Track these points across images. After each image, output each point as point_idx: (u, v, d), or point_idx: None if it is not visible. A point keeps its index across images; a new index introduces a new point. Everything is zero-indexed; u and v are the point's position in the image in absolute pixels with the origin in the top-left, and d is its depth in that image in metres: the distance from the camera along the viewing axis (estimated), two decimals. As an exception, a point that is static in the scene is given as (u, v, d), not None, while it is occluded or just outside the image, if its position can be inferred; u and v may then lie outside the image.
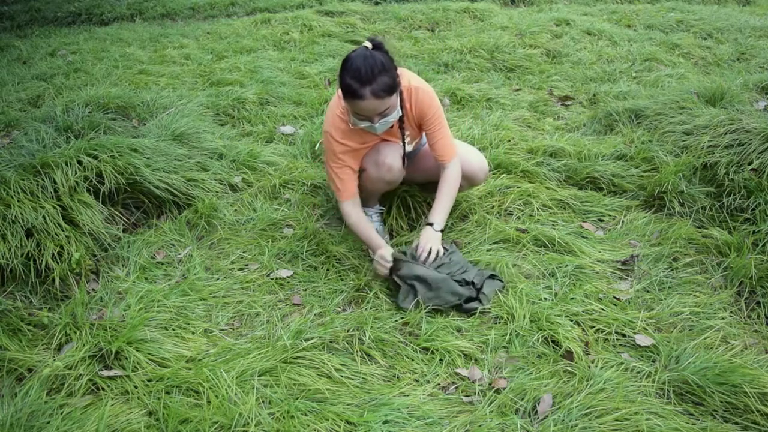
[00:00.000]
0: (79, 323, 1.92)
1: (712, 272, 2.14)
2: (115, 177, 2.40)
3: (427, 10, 5.87)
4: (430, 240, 2.12)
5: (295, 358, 1.81)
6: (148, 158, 2.59)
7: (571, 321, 1.92)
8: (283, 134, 3.39)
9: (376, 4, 6.58)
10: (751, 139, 2.50)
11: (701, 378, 1.64)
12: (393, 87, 1.91)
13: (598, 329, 1.90)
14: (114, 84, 4.17)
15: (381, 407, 1.64)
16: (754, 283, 2.02)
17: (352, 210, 2.19)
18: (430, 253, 2.09)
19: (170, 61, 4.93)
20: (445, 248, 2.15)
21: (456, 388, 1.73)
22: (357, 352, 1.86)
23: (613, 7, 6.14)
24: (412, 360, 1.83)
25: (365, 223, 2.20)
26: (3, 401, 1.66)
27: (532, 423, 1.60)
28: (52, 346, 1.87)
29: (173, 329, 1.96)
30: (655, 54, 4.46)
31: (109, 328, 1.90)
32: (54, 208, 2.21)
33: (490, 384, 1.73)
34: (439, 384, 1.75)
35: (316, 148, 3.12)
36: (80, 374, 1.74)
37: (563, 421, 1.56)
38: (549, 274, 2.15)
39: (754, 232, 2.23)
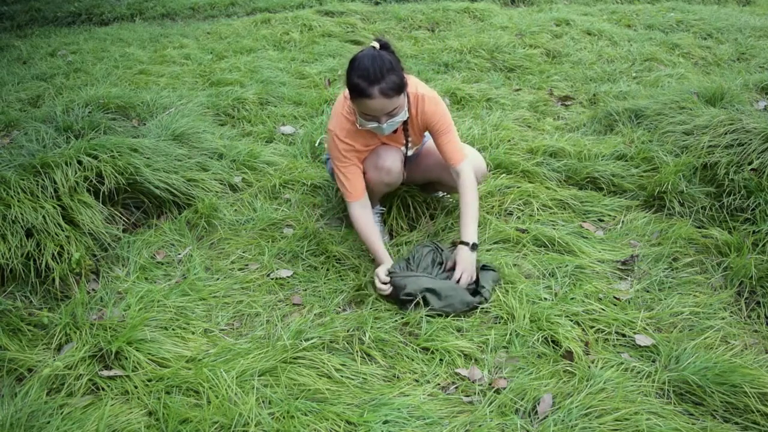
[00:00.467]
0: (79, 323, 1.92)
1: (712, 272, 2.14)
2: (115, 177, 2.40)
3: (427, 10, 5.88)
4: (465, 262, 2.06)
5: (295, 358, 1.81)
6: (148, 158, 2.59)
7: (571, 321, 1.92)
8: (283, 134, 3.39)
9: (376, 4, 6.58)
10: (751, 139, 2.50)
11: (701, 378, 1.64)
12: (401, 86, 1.92)
13: (598, 329, 1.90)
14: (114, 84, 4.17)
15: (381, 407, 1.63)
16: (754, 283, 2.02)
17: (361, 213, 2.16)
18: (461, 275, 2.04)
19: (170, 61, 4.94)
20: (441, 248, 2.16)
21: (456, 388, 1.73)
22: (357, 352, 1.86)
23: (613, 7, 6.14)
24: (412, 360, 1.83)
25: (372, 230, 2.16)
26: (3, 401, 1.66)
27: (532, 423, 1.60)
28: (52, 346, 1.87)
29: (173, 329, 1.96)
30: (655, 54, 4.46)
31: (109, 328, 1.90)
32: (54, 208, 2.21)
33: (490, 384, 1.73)
34: (439, 384, 1.75)
35: (316, 144, 3.12)
36: (80, 374, 1.74)
37: (563, 421, 1.56)
38: (549, 274, 2.15)
39: (754, 232, 2.23)
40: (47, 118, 2.98)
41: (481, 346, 1.87)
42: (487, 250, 2.27)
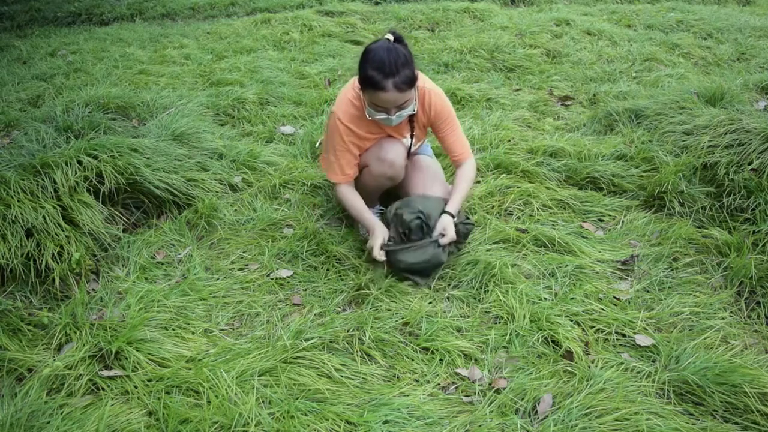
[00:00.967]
0: (79, 323, 1.92)
1: (712, 272, 2.14)
2: (115, 177, 2.40)
3: (427, 10, 5.88)
4: (448, 228, 2.14)
5: (295, 358, 1.81)
6: (148, 158, 2.59)
7: (571, 321, 1.92)
8: (283, 134, 3.39)
9: (376, 4, 6.58)
10: (751, 139, 2.50)
11: (701, 378, 1.64)
12: (413, 80, 1.94)
13: (598, 329, 1.90)
14: (114, 84, 4.17)
15: (381, 407, 1.63)
16: (754, 283, 2.02)
17: (348, 189, 2.23)
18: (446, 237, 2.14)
19: (170, 61, 4.94)
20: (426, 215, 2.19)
21: (456, 388, 1.73)
22: (357, 352, 1.86)
23: (613, 7, 6.14)
24: (412, 360, 1.83)
25: (359, 201, 2.23)
26: (3, 401, 1.66)
27: (532, 423, 1.60)
28: (52, 346, 1.87)
29: (173, 329, 1.96)
30: (655, 54, 4.46)
31: (109, 328, 1.90)
32: (54, 208, 2.21)
33: (490, 384, 1.73)
34: (439, 384, 1.75)
35: (317, 144, 3.12)
36: (80, 374, 1.74)
37: (563, 421, 1.56)
38: (549, 274, 2.15)
39: (754, 232, 2.23)
40: (47, 118, 2.98)
41: (481, 346, 1.87)
42: (487, 250, 2.27)
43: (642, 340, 1.84)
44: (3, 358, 1.80)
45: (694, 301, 2.00)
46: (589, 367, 1.75)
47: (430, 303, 2.06)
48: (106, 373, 1.76)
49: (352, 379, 1.76)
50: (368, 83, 1.92)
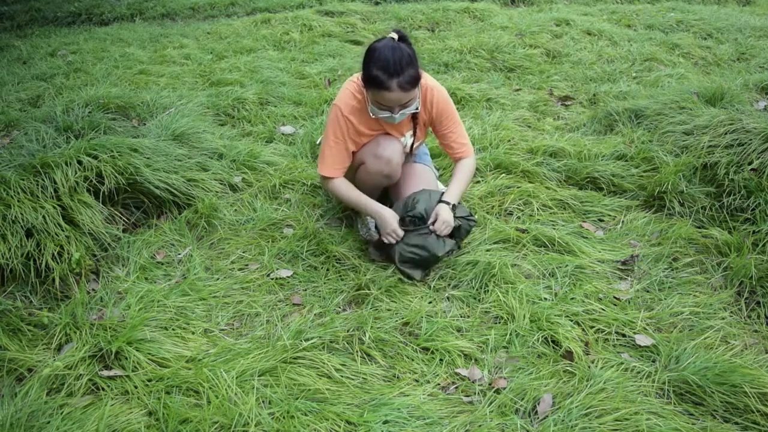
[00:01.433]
0: (79, 323, 1.92)
1: (712, 272, 2.14)
2: (115, 177, 2.40)
3: (427, 10, 5.88)
4: (446, 217, 2.14)
5: (295, 358, 1.81)
6: (148, 158, 2.59)
7: (571, 321, 1.92)
8: (283, 134, 3.39)
9: (376, 4, 6.58)
10: (751, 139, 2.50)
11: (701, 378, 1.64)
12: (418, 79, 1.95)
13: (598, 329, 1.90)
14: (114, 84, 4.17)
15: (381, 407, 1.63)
16: (754, 283, 2.02)
17: (341, 182, 2.21)
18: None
19: (170, 61, 4.94)
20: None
21: (456, 388, 1.73)
22: (357, 352, 1.86)
23: (613, 7, 6.14)
24: (412, 360, 1.83)
25: (357, 191, 2.21)
26: (3, 401, 1.66)
27: (532, 423, 1.60)
28: (52, 346, 1.87)
29: (173, 329, 1.96)
30: (655, 54, 4.46)
31: (109, 328, 1.90)
32: (54, 208, 2.21)
33: (490, 384, 1.73)
34: (439, 384, 1.75)
35: (317, 144, 3.11)
36: (80, 374, 1.74)
37: (563, 421, 1.56)
38: (549, 274, 2.15)
39: (754, 232, 2.23)
40: (47, 118, 2.98)
41: (481, 346, 1.87)
42: (487, 250, 2.27)
43: (642, 340, 1.84)
44: (3, 358, 1.80)
45: (694, 301, 2.00)
46: (589, 367, 1.75)
47: (430, 303, 2.06)
48: (106, 373, 1.76)
49: (352, 379, 1.76)
50: (373, 82, 1.92)
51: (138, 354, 1.80)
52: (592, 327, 1.90)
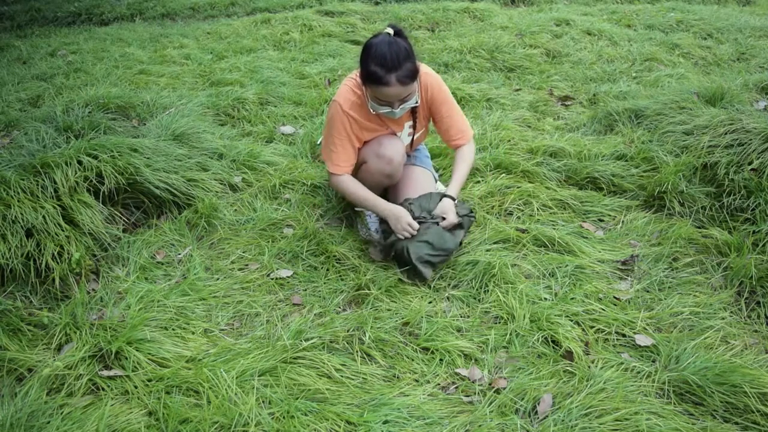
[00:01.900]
0: (79, 323, 1.92)
1: (712, 272, 2.14)
2: (115, 177, 2.40)
3: (427, 10, 5.87)
4: (449, 211, 2.16)
5: (295, 358, 1.81)
6: (148, 158, 2.59)
7: (571, 321, 1.92)
8: (283, 134, 3.39)
9: (376, 4, 6.58)
10: (751, 139, 2.50)
11: (701, 378, 1.64)
12: (416, 73, 1.96)
13: (598, 329, 1.90)
14: (114, 84, 4.17)
15: (381, 407, 1.64)
16: (754, 283, 2.02)
17: (349, 179, 2.20)
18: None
19: (170, 61, 4.93)
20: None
21: (456, 388, 1.73)
22: (357, 352, 1.86)
23: (613, 7, 6.14)
24: (412, 360, 1.83)
25: (366, 190, 2.20)
26: (3, 401, 1.66)
27: (532, 423, 1.60)
28: (52, 346, 1.87)
29: (173, 329, 1.96)
30: (655, 54, 4.46)
31: (109, 328, 1.90)
32: (54, 208, 2.21)
33: (490, 384, 1.73)
34: (439, 384, 1.75)
35: (317, 144, 3.11)
36: (80, 374, 1.74)
37: (563, 421, 1.56)
38: (549, 274, 2.15)
39: (754, 232, 2.23)
40: (47, 118, 2.98)
41: (481, 346, 1.87)
42: (487, 250, 2.27)
43: (642, 340, 1.84)
44: (3, 358, 1.80)
45: (694, 301, 2.00)
46: (589, 367, 1.75)
47: (430, 303, 2.06)
48: (106, 373, 1.76)
49: (352, 379, 1.76)
50: (371, 79, 1.92)
51: (138, 354, 1.80)
52: (592, 327, 1.90)
